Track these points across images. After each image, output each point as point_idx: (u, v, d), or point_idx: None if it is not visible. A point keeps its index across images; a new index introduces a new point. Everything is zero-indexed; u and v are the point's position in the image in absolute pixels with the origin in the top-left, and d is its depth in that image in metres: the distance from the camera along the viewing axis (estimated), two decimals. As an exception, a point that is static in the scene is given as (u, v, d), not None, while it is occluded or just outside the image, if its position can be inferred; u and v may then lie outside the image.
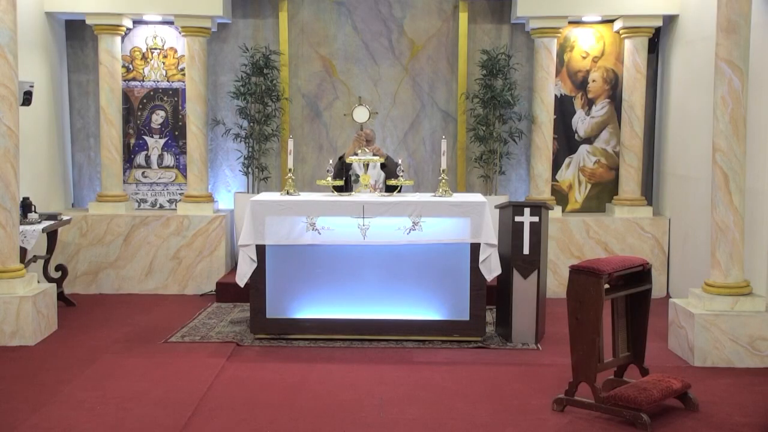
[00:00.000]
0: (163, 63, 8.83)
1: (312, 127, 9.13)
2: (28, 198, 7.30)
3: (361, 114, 6.95)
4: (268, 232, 6.50)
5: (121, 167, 8.61)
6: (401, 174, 6.80)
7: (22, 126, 6.86)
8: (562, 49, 8.70)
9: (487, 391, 5.41)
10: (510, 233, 6.54)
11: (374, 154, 7.04)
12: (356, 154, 7.07)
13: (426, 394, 5.34)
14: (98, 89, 8.56)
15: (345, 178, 7.28)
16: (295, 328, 6.61)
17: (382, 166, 7.25)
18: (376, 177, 7.21)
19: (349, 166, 7.32)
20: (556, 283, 8.25)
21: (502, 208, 6.71)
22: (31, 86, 7.27)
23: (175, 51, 8.83)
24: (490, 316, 7.23)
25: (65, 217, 7.69)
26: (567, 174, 8.85)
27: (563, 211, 8.72)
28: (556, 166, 8.79)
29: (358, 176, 7.09)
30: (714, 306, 6.03)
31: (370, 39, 9.04)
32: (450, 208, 6.50)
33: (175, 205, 8.79)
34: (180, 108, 8.84)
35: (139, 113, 8.85)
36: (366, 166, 6.98)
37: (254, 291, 6.59)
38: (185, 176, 8.79)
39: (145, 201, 8.91)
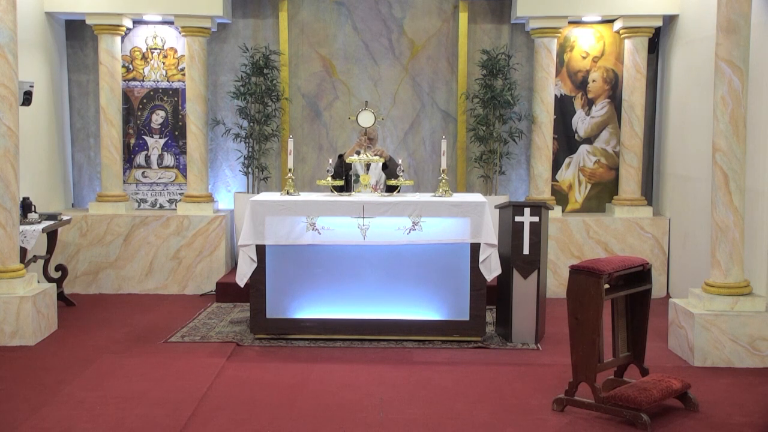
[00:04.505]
0: (163, 63, 8.83)
1: (312, 127, 9.13)
2: (28, 198, 7.30)
3: (366, 118, 6.92)
4: (268, 232, 6.50)
5: (121, 167, 8.61)
6: (401, 174, 6.80)
7: (22, 126, 6.87)
8: (562, 49, 8.70)
9: (487, 391, 5.41)
10: (510, 233, 6.54)
11: (375, 155, 7.03)
12: (358, 154, 7.07)
13: (426, 394, 5.34)
14: (98, 89, 8.56)
15: (345, 178, 7.28)
16: (295, 328, 6.61)
17: (384, 167, 7.25)
18: (377, 177, 7.20)
19: (349, 165, 7.32)
20: (556, 283, 8.25)
21: (502, 208, 6.71)
22: (31, 86, 7.27)
23: (175, 51, 8.83)
24: (490, 316, 7.24)
25: (65, 217, 7.69)
26: (567, 174, 8.85)
27: (563, 211, 8.73)
28: (556, 166, 8.79)
29: (358, 176, 7.09)
30: (714, 306, 6.03)
31: (370, 39, 9.04)
32: (450, 208, 6.49)
33: (175, 205, 8.79)
34: (180, 108, 8.84)
35: (139, 113, 8.85)
36: (367, 166, 6.98)
37: (254, 291, 6.59)
38: (185, 176, 8.79)
39: (145, 201, 8.92)
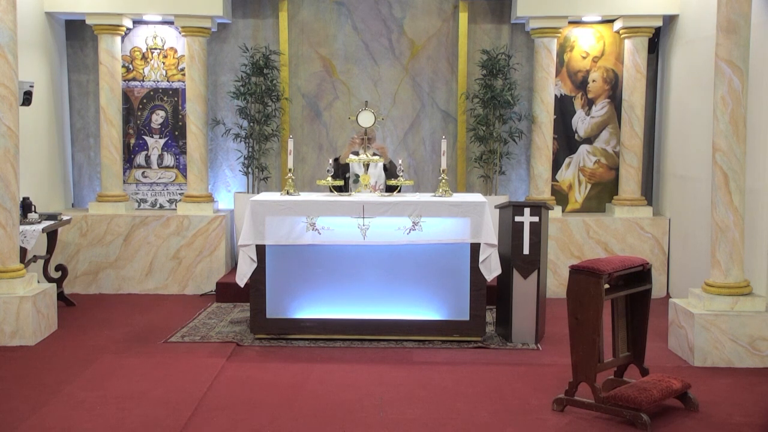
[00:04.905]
0: (163, 63, 8.83)
1: (312, 127, 9.13)
2: (28, 198, 7.30)
3: (366, 118, 6.91)
4: (268, 232, 6.50)
5: (121, 167, 8.61)
6: (401, 174, 6.80)
7: (22, 126, 6.87)
8: (562, 49, 8.70)
9: (487, 391, 5.41)
10: (510, 233, 6.54)
11: (374, 153, 7.02)
12: (356, 154, 7.07)
13: (426, 394, 5.34)
14: (98, 89, 8.56)
15: (344, 180, 7.26)
16: (295, 328, 6.61)
17: (384, 167, 7.24)
18: (377, 177, 7.19)
19: (345, 167, 7.31)
20: (556, 283, 8.25)
21: (502, 208, 6.70)
22: (31, 86, 7.27)
23: (175, 51, 8.83)
24: (490, 316, 7.24)
25: (65, 217, 7.69)
26: (567, 174, 8.85)
27: (563, 211, 8.73)
28: (556, 166, 8.79)
29: (357, 176, 7.08)
30: (714, 306, 6.03)
31: (370, 39, 9.04)
32: (450, 208, 6.49)
33: (175, 205, 8.79)
34: (180, 108, 8.84)
35: (139, 113, 8.85)
36: (366, 166, 6.97)
37: (254, 291, 6.59)
38: (185, 176, 8.79)
39: (145, 201, 8.92)
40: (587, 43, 8.71)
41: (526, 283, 6.53)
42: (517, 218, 6.51)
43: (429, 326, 6.58)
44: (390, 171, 7.20)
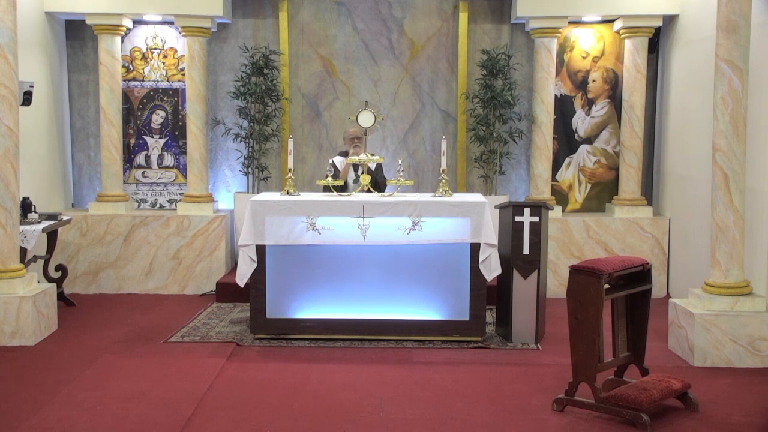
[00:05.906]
0: (163, 63, 8.83)
1: (312, 127, 9.13)
2: (28, 198, 7.30)
3: (366, 118, 6.90)
4: (268, 232, 6.50)
5: (121, 167, 8.61)
6: (400, 174, 6.80)
7: (22, 126, 6.87)
8: (562, 49, 8.70)
9: (487, 391, 5.41)
10: (510, 233, 6.54)
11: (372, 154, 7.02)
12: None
13: (426, 394, 5.34)
14: (98, 89, 8.56)
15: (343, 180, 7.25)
16: (295, 328, 6.61)
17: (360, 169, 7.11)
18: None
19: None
20: (556, 283, 8.25)
21: (502, 208, 6.71)
22: (31, 86, 7.27)
23: (175, 51, 8.83)
24: (490, 316, 7.24)
25: (65, 217, 7.69)
26: (567, 174, 8.85)
27: (563, 211, 8.73)
28: (556, 166, 8.79)
29: (357, 176, 7.09)
30: (714, 306, 6.03)
31: (370, 39, 9.04)
32: (450, 208, 6.50)
33: (175, 205, 8.79)
34: (180, 108, 8.84)
35: (139, 113, 8.85)
36: (355, 167, 6.96)
37: (254, 291, 6.59)
38: (185, 176, 8.79)
39: (145, 201, 8.92)
40: (587, 43, 8.71)
41: (526, 283, 6.53)
42: (517, 218, 6.51)
43: (429, 326, 6.58)
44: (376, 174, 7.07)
